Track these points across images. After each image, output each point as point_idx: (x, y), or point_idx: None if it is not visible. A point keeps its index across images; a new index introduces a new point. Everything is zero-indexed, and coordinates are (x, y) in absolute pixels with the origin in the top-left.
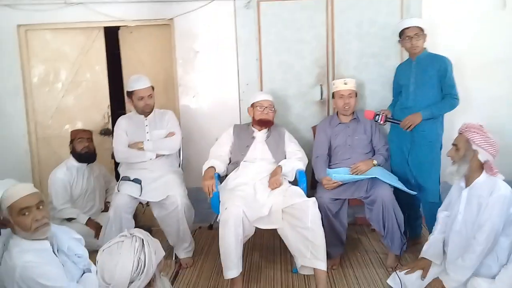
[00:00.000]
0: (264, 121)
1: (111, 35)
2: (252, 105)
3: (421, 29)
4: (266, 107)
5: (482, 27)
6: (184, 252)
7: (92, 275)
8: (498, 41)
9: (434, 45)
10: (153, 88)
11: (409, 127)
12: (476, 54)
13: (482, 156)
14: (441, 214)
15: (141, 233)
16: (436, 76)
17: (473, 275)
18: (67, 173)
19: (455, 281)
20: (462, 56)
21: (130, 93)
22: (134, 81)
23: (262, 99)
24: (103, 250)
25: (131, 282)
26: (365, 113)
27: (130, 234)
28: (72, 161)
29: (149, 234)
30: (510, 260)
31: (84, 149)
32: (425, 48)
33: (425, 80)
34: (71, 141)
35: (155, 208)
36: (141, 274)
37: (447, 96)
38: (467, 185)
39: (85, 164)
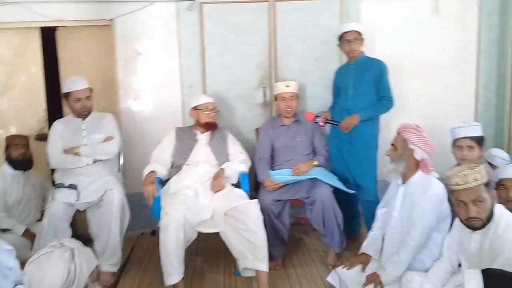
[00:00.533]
0: (210, 124)
1: (48, 36)
2: (196, 108)
3: (359, 33)
4: (211, 109)
5: (418, 32)
6: (107, 264)
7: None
8: (432, 46)
9: (372, 49)
10: (91, 90)
11: (347, 128)
12: (412, 58)
13: (418, 155)
14: (380, 211)
15: (71, 242)
16: (372, 80)
17: (407, 269)
18: (1, 181)
19: (391, 275)
20: (398, 60)
21: (66, 95)
22: (71, 83)
23: (207, 101)
24: (31, 261)
25: None
26: (305, 115)
27: (60, 244)
28: (7, 168)
29: (81, 243)
30: (442, 254)
31: (20, 156)
32: (362, 52)
33: (363, 83)
34: (6, 148)
35: (90, 210)
36: (71, 285)
37: (382, 98)
38: (403, 182)
39: (20, 172)
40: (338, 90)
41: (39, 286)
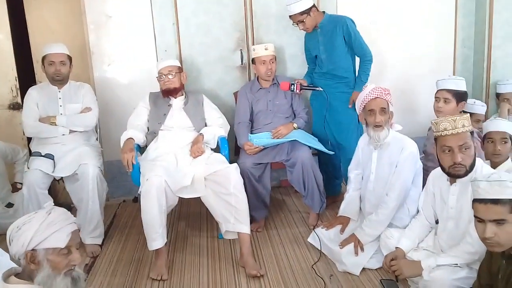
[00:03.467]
0: (167, 91)
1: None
2: None
3: (305, 12)
4: (165, 74)
5: None
6: (89, 237)
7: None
8: (409, 3)
9: (345, 7)
10: (69, 58)
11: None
12: (388, 17)
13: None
14: (352, 174)
15: (53, 210)
16: (341, 40)
17: (386, 227)
18: None
19: (369, 235)
20: (374, 18)
21: (42, 59)
22: (47, 46)
23: (161, 67)
24: (14, 225)
25: (10, 243)
26: (280, 85)
27: (43, 208)
28: None
29: (68, 220)
30: (418, 211)
31: None
32: (324, 12)
33: (334, 46)
34: None
35: (68, 181)
36: (14, 238)
37: (361, 59)
38: (375, 146)
39: None
40: (310, 55)
41: (16, 242)
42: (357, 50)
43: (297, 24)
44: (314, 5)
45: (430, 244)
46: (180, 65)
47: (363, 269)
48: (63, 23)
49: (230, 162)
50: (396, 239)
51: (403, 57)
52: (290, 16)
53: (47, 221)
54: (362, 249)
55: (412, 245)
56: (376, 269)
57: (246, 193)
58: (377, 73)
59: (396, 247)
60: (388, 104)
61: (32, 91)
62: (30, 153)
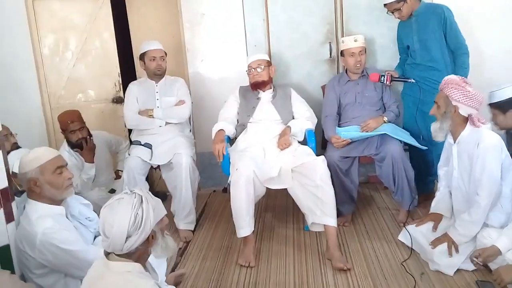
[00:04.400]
0: (256, 84)
1: (118, 1)
2: None
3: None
4: (254, 68)
5: None
6: (183, 222)
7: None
8: None
9: None
10: (165, 53)
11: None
12: (487, 4)
13: (464, 111)
14: (441, 171)
15: (141, 190)
16: (437, 29)
17: (482, 226)
18: (71, 158)
19: (464, 236)
20: (470, 6)
21: (142, 55)
22: (146, 43)
23: (250, 61)
24: (105, 206)
25: (128, 237)
26: (370, 76)
27: (131, 191)
28: (69, 150)
29: (149, 193)
30: None
31: (80, 140)
32: (420, 1)
33: (428, 36)
34: (63, 130)
35: (164, 169)
36: (138, 229)
37: (456, 53)
38: (454, 140)
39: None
40: (403, 45)
41: (109, 228)
42: (452, 41)
43: (392, 12)
44: None
45: None
46: (269, 59)
47: (458, 269)
48: (161, 23)
49: (317, 155)
50: (494, 239)
51: (504, 46)
52: (385, 5)
53: (151, 199)
54: (457, 250)
55: (510, 245)
56: (472, 271)
57: (333, 186)
58: (474, 65)
59: (492, 245)
60: (447, 98)
61: (132, 86)
62: (131, 143)
